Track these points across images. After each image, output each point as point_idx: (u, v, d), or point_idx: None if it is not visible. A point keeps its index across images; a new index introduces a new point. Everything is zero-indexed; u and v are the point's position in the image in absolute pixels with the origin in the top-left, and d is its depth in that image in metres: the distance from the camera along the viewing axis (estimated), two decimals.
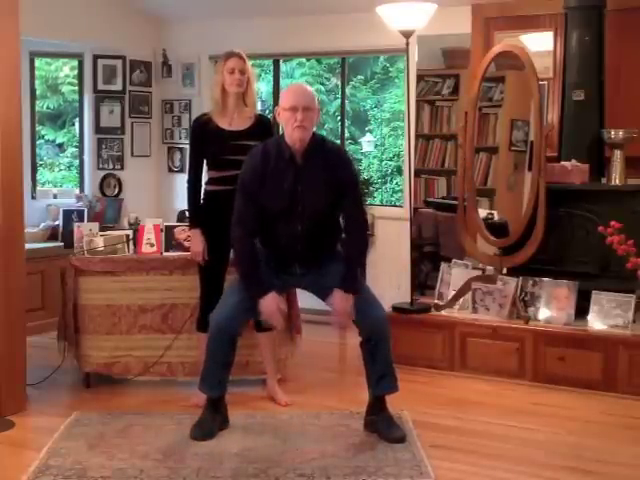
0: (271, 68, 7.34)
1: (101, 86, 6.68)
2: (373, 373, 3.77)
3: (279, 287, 3.77)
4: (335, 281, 3.69)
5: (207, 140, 4.12)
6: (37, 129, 7.21)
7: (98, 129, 6.73)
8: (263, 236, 3.79)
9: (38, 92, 7.52)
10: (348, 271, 3.70)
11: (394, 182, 10.27)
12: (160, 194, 7.00)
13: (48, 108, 9.04)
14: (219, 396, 3.83)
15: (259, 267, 3.71)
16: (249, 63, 4.14)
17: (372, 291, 3.82)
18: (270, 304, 3.65)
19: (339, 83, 7.22)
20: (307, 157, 3.64)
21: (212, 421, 3.79)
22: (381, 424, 3.76)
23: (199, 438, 3.70)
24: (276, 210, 3.67)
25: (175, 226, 4.68)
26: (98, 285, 4.47)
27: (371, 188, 7.02)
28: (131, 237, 4.62)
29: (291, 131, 3.58)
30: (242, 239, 3.70)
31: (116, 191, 6.75)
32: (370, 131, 10.95)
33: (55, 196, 6.78)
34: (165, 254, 4.57)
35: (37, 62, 6.96)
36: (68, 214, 6.25)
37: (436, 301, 5.11)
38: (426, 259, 5.79)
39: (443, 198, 5.82)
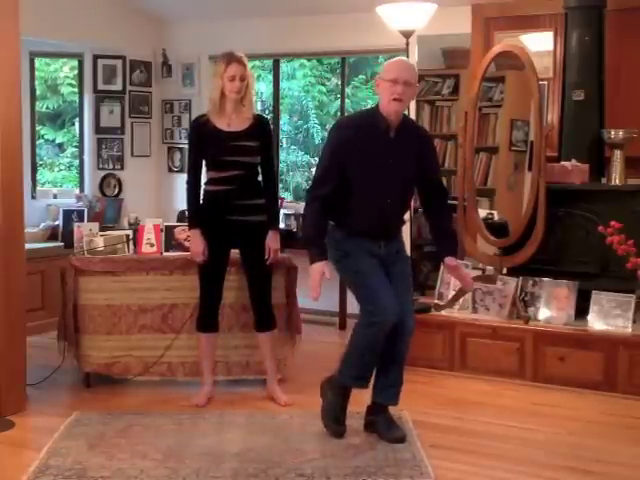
0: (271, 68, 7.34)
1: (101, 86, 6.69)
2: (384, 379, 3.76)
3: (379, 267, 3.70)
4: (400, 288, 3.68)
5: (206, 141, 4.12)
6: (37, 129, 7.20)
7: (98, 129, 6.74)
8: (343, 214, 3.68)
9: (38, 92, 7.51)
10: (451, 237, 3.80)
11: None
12: (160, 194, 7.00)
13: (48, 108, 9.03)
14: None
15: (324, 233, 3.64)
16: (248, 65, 4.13)
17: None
18: (318, 270, 3.55)
19: (339, 83, 7.22)
20: (400, 131, 3.66)
21: (345, 410, 3.77)
22: (381, 424, 3.76)
23: (341, 434, 3.71)
24: (367, 181, 3.61)
25: (175, 226, 4.68)
26: (98, 285, 4.47)
27: None
28: (131, 237, 4.62)
29: (387, 102, 3.58)
30: (314, 202, 3.63)
31: (116, 191, 6.75)
32: None
33: (55, 196, 6.78)
34: (165, 254, 4.57)
35: (37, 62, 6.96)
36: (68, 214, 6.25)
37: (436, 301, 5.11)
38: (426, 259, 5.79)
39: None
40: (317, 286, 3.56)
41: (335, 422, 3.75)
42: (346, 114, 6.87)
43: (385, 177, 3.62)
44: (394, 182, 3.65)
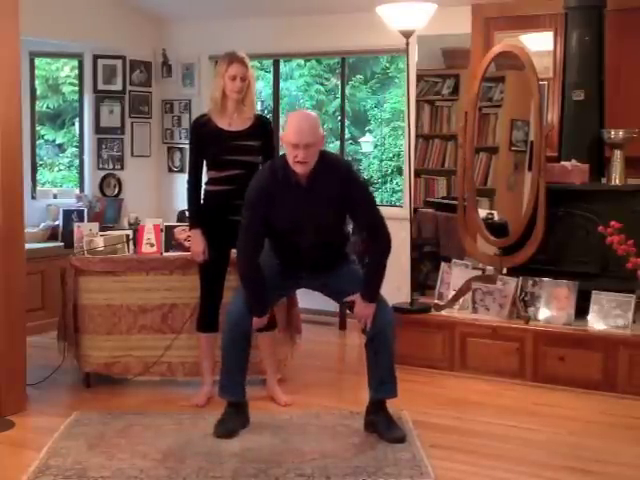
0: (271, 68, 7.34)
1: (101, 86, 6.68)
2: (374, 376, 3.79)
3: (287, 288, 3.80)
4: (348, 284, 3.75)
5: (207, 140, 4.12)
6: (37, 129, 7.20)
7: (98, 129, 6.73)
8: (271, 243, 3.82)
9: (38, 92, 7.52)
10: (370, 281, 3.74)
11: (394, 182, 10.27)
12: (160, 194, 7.00)
13: (48, 108, 9.03)
14: (242, 400, 3.86)
15: (263, 289, 3.76)
16: (250, 65, 4.13)
17: (382, 294, 3.83)
18: (261, 320, 3.81)
19: (339, 83, 7.22)
20: (312, 179, 3.64)
21: (235, 420, 3.81)
22: (381, 424, 3.76)
23: (223, 436, 3.71)
24: (282, 228, 3.71)
25: (175, 226, 4.68)
26: (98, 285, 4.47)
27: (371, 188, 7.02)
28: (131, 237, 4.62)
29: (292, 164, 3.59)
30: (247, 260, 3.72)
31: (116, 191, 6.75)
32: (370, 131, 10.95)
33: (55, 196, 6.78)
34: (165, 254, 4.57)
35: (37, 62, 6.96)
36: (68, 214, 6.24)
37: (436, 301, 5.11)
38: (426, 259, 5.79)
39: (443, 198, 5.82)
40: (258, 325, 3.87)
41: (220, 425, 3.78)
42: (345, 114, 6.88)
43: (299, 224, 3.65)
44: (310, 228, 3.66)
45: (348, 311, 3.88)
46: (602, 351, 4.46)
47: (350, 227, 4.26)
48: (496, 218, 5.25)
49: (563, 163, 4.89)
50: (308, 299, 5.03)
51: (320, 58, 9.21)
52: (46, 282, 5.66)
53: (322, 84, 10.45)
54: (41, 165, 8.50)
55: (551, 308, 4.73)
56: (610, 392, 4.42)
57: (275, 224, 3.69)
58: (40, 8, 5.54)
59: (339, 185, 3.65)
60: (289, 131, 3.57)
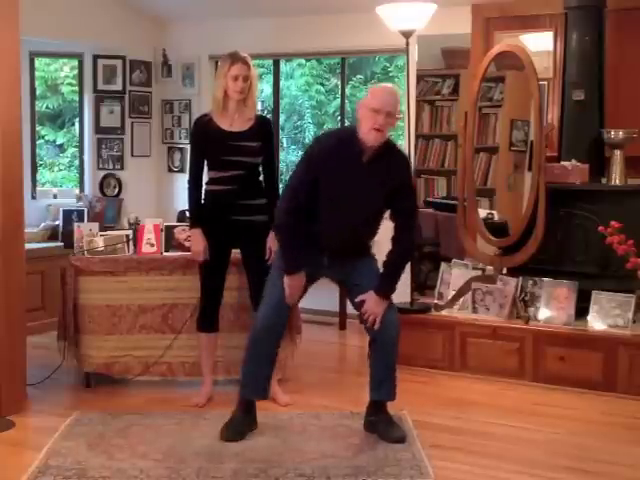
0: (271, 68, 7.33)
1: (101, 86, 6.68)
2: (374, 376, 3.78)
3: (307, 276, 3.75)
4: (366, 280, 3.71)
5: (208, 140, 4.12)
6: (37, 129, 7.20)
7: (98, 129, 6.73)
8: (305, 217, 3.72)
9: (38, 92, 7.50)
10: (387, 277, 3.72)
11: None
12: (160, 194, 7.00)
13: (48, 108, 9.02)
14: (261, 399, 3.82)
15: (300, 242, 3.67)
16: (253, 65, 4.12)
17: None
18: (296, 281, 3.66)
19: (339, 83, 7.21)
20: (374, 158, 3.62)
21: (243, 423, 3.78)
22: (381, 425, 3.76)
23: (231, 439, 3.69)
24: (330, 199, 3.63)
25: (175, 226, 4.68)
26: (98, 285, 4.47)
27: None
28: (131, 237, 4.62)
29: (367, 131, 3.55)
30: (291, 213, 3.65)
31: (116, 191, 6.75)
32: None
33: (55, 196, 6.77)
34: (165, 254, 4.57)
35: (37, 62, 6.96)
36: (68, 214, 6.25)
37: (436, 301, 5.11)
38: (426, 259, 5.79)
39: (443, 198, 5.82)
40: (294, 297, 3.72)
41: (228, 429, 3.74)
42: (345, 114, 6.88)
43: (347, 199, 3.62)
44: (355, 207, 3.63)
45: (356, 311, 3.82)
46: (602, 351, 4.46)
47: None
48: (496, 218, 5.25)
49: (563, 163, 4.89)
50: (308, 299, 5.03)
51: (320, 58, 9.20)
52: (46, 282, 5.66)
53: (322, 84, 10.43)
54: (41, 165, 8.48)
55: (551, 308, 4.73)
56: (610, 392, 4.42)
57: (327, 191, 3.61)
58: (40, 8, 5.54)
59: (395, 173, 3.66)
60: (373, 97, 3.58)
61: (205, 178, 4.22)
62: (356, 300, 3.74)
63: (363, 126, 3.57)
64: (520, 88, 5.08)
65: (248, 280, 4.24)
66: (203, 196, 4.20)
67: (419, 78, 5.83)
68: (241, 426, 3.76)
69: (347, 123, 6.97)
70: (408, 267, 5.09)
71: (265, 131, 4.18)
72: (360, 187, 3.61)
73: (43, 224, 6.27)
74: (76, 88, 7.19)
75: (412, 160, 5.47)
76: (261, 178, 4.23)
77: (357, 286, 3.75)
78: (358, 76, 9.89)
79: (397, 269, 3.75)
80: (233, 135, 4.09)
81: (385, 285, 3.70)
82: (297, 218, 3.64)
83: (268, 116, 6.92)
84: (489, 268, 5.03)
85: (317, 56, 8.56)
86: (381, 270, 3.77)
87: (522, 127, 5.20)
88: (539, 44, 5.34)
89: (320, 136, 3.82)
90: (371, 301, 3.67)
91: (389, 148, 3.68)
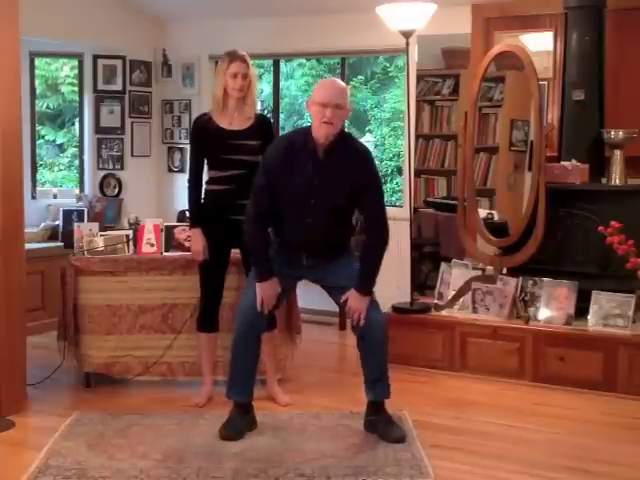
0: (271, 68, 7.33)
1: (101, 86, 6.68)
2: (368, 376, 3.79)
3: (288, 279, 3.78)
4: (346, 280, 3.71)
5: (207, 140, 4.12)
6: (37, 129, 7.20)
7: (98, 129, 6.73)
8: (275, 224, 3.79)
9: (38, 92, 7.51)
10: (364, 273, 3.71)
11: (394, 182, 10.25)
12: (160, 194, 7.00)
13: (48, 108, 9.02)
14: (248, 401, 3.84)
15: (267, 251, 3.72)
16: (251, 64, 4.13)
17: (374, 293, 3.80)
18: (268, 288, 3.70)
19: None
20: (330, 153, 3.63)
21: (241, 422, 3.78)
22: (381, 424, 3.76)
23: (228, 438, 3.69)
24: (290, 199, 3.66)
25: (175, 226, 4.68)
26: (98, 285, 4.47)
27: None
28: (131, 237, 4.62)
29: (318, 125, 3.57)
30: (254, 220, 3.70)
31: (116, 191, 6.75)
32: (370, 131, 10.93)
33: (55, 196, 6.77)
34: (165, 254, 4.57)
35: (37, 62, 6.96)
36: (68, 214, 6.24)
37: (436, 301, 5.11)
38: (426, 259, 5.79)
39: (443, 198, 5.82)
40: (269, 303, 3.74)
41: (226, 427, 3.75)
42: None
43: (307, 197, 3.63)
44: (317, 203, 3.64)
45: (341, 310, 3.84)
46: (602, 351, 4.46)
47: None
48: (496, 218, 5.25)
49: (563, 163, 4.89)
50: (308, 299, 5.04)
51: (320, 58, 9.20)
52: (46, 282, 5.65)
53: None
54: (41, 165, 8.49)
55: (551, 308, 4.73)
56: (610, 392, 4.42)
57: (285, 192, 3.64)
58: (40, 8, 5.53)
59: (355, 166, 3.64)
60: (318, 91, 3.60)
61: (205, 177, 4.22)
62: (341, 300, 3.74)
63: (314, 121, 3.60)
64: (520, 88, 5.08)
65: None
66: (203, 195, 4.20)
67: (419, 78, 5.83)
68: (239, 425, 3.76)
69: (347, 123, 6.97)
70: (407, 267, 5.15)
71: (265, 129, 4.18)
72: (319, 183, 3.62)
73: (43, 224, 6.27)
74: (75, 88, 7.19)
75: (412, 160, 5.49)
76: None
77: (337, 287, 3.77)
78: (358, 76, 9.91)
79: (372, 263, 3.72)
80: (233, 134, 4.09)
81: (363, 281, 3.69)
82: (261, 224, 3.70)
83: (268, 116, 6.93)
84: (489, 268, 5.03)
85: (317, 56, 8.57)
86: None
87: (522, 127, 5.20)
88: (539, 44, 5.34)
89: (275, 139, 3.86)
90: (352, 298, 3.68)
91: (346, 142, 3.68)
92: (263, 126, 4.18)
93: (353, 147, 3.73)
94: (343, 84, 3.73)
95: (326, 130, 3.56)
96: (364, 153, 3.78)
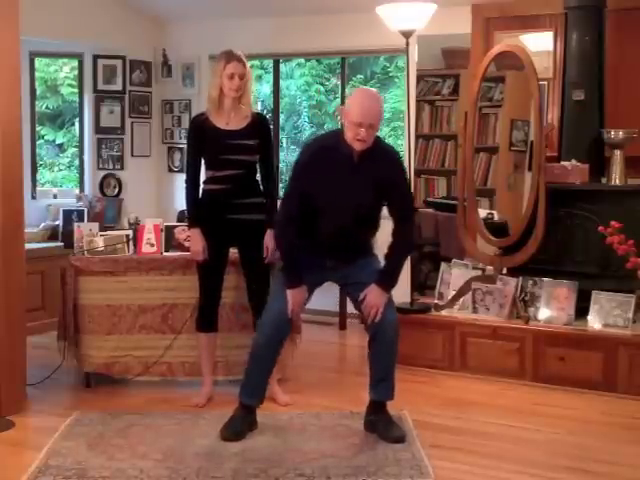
0: (271, 68, 7.33)
1: (101, 86, 6.68)
2: (374, 375, 3.79)
3: (311, 282, 3.78)
4: (367, 277, 3.72)
5: (205, 140, 4.12)
6: (37, 129, 7.20)
7: (98, 129, 6.74)
8: (303, 228, 3.76)
9: (38, 92, 7.50)
10: (388, 269, 3.75)
11: None
12: (160, 194, 7.00)
13: (48, 108, 9.02)
14: (258, 404, 3.84)
15: (299, 257, 3.72)
16: (248, 64, 4.13)
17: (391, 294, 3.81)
18: (297, 295, 3.70)
19: (339, 83, 7.21)
20: (363, 157, 3.64)
21: (243, 423, 3.78)
22: (381, 424, 3.76)
23: (230, 439, 3.69)
24: (323, 202, 3.66)
25: (175, 226, 4.68)
26: (98, 285, 4.47)
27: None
28: (131, 237, 4.62)
29: (351, 140, 3.58)
30: (287, 227, 3.71)
31: (116, 191, 6.75)
32: None
33: (55, 196, 6.77)
34: (165, 254, 4.57)
35: (37, 62, 6.96)
36: (68, 214, 6.25)
37: (436, 301, 5.11)
38: (426, 259, 5.78)
39: (443, 198, 5.81)
40: (297, 311, 3.77)
41: (227, 428, 3.75)
42: None
43: (342, 200, 3.63)
44: (351, 207, 3.65)
45: (357, 311, 3.83)
46: (602, 351, 4.46)
47: None
48: (496, 218, 5.25)
49: (563, 163, 4.89)
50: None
51: (320, 58, 9.20)
52: (46, 282, 5.66)
53: (322, 84, 10.43)
54: (41, 165, 8.48)
55: (551, 308, 4.73)
56: (610, 392, 4.41)
57: (321, 197, 3.64)
58: (40, 8, 5.53)
59: (387, 168, 3.68)
60: (355, 110, 3.56)
61: (203, 177, 4.22)
62: (360, 296, 3.73)
63: (348, 134, 3.60)
64: (520, 88, 5.08)
65: (246, 279, 4.23)
66: (201, 195, 4.19)
67: (419, 78, 5.83)
68: (240, 426, 3.76)
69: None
70: (408, 267, 5.14)
71: (262, 128, 4.18)
72: (353, 187, 3.63)
73: (43, 224, 6.27)
74: (76, 88, 7.19)
75: (412, 160, 5.48)
76: (258, 176, 4.23)
77: (358, 284, 3.76)
78: (358, 76, 9.90)
79: (398, 261, 3.78)
80: (230, 133, 4.09)
81: (386, 277, 3.73)
82: (293, 228, 3.69)
83: (268, 116, 6.92)
84: (489, 268, 5.03)
85: (317, 56, 8.56)
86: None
87: (522, 127, 5.19)
88: (539, 44, 5.34)
89: (306, 145, 3.88)
90: (372, 293, 3.69)
91: (378, 147, 3.69)
92: (260, 125, 4.18)
93: (384, 149, 3.76)
94: (379, 102, 3.68)
95: (360, 146, 3.59)
96: (395, 154, 3.83)
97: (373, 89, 4.06)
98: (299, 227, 3.72)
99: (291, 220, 3.70)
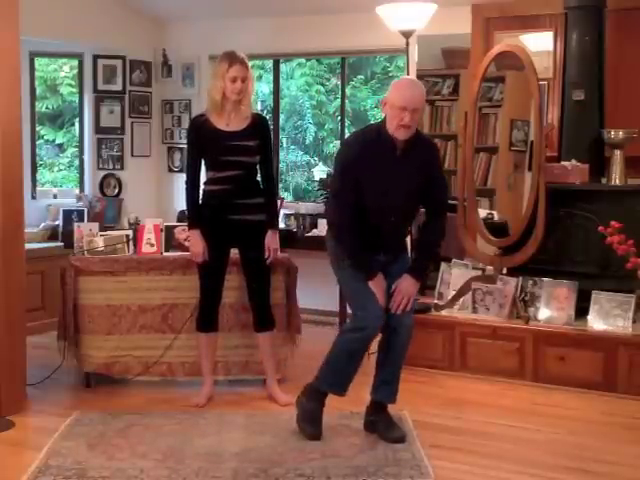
0: (271, 68, 7.33)
1: (101, 86, 6.69)
2: (379, 376, 3.79)
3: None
4: (399, 269, 3.72)
5: (204, 141, 4.11)
6: (37, 129, 7.20)
7: (98, 129, 6.74)
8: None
9: (38, 92, 7.50)
10: (421, 258, 3.79)
11: None
12: (160, 194, 7.00)
13: (48, 108, 9.02)
14: (342, 396, 3.79)
15: (365, 251, 3.68)
16: (249, 65, 4.11)
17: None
18: (379, 283, 3.66)
19: (339, 83, 7.21)
20: (406, 149, 3.63)
21: (321, 414, 3.76)
22: (381, 424, 3.76)
23: (317, 436, 3.69)
24: (371, 198, 3.63)
25: (175, 226, 4.68)
26: (98, 285, 4.47)
27: None
28: (131, 237, 4.62)
29: (395, 128, 3.55)
30: (347, 227, 3.66)
31: (116, 191, 6.75)
32: None
33: (55, 196, 6.78)
34: (165, 254, 4.57)
35: (37, 62, 6.96)
36: (68, 214, 6.25)
37: (436, 301, 5.11)
38: None
39: None
40: (383, 296, 3.66)
41: (311, 424, 3.74)
42: (345, 114, 6.88)
43: (391, 195, 3.62)
44: (397, 199, 3.64)
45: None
46: (602, 351, 4.46)
47: None
48: (496, 218, 5.25)
49: (563, 163, 4.89)
50: (308, 299, 5.04)
51: (320, 58, 9.21)
52: (46, 282, 5.66)
53: (322, 84, 10.44)
54: (41, 165, 8.48)
55: (551, 308, 4.73)
56: (610, 392, 4.42)
57: (369, 192, 3.61)
58: (40, 8, 5.53)
59: (428, 160, 3.69)
60: (397, 94, 3.54)
61: (203, 178, 4.22)
62: (392, 286, 3.70)
63: (390, 123, 3.56)
64: (520, 88, 5.07)
65: (246, 280, 4.24)
66: (201, 196, 4.19)
67: (419, 78, 5.77)
68: (319, 418, 3.75)
69: (347, 123, 6.98)
70: None
71: (262, 129, 4.17)
72: (399, 179, 3.62)
73: (43, 224, 6.28)
74: (75, 88, 7.19)
75: None
76: (258, 177, 4.23)
77: (392, 277, 3.73)
78: (358, 76, 9.91)
79: (430, 250, 3.84)
80: (230, 135, 4.08)
81: (418, 266, 3.75)
82: (354, 228, 3.64)
83: (268, 116, 6.93)
84: (489, 268, 5.03)
85: (317, 56, 8.57)
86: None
87: (522, 127, 5.19)
88: (539, 44, 5.34)
89: (346, 142, 3.85)
90: (404, 282, 3.68)
91: (418, 138, 3.69)
92: (260, 126, 4.18)
93: (425, 141, 3.78)
94: (421, 86, 3.67)
95: (404, 133, 3.55)
96: (434, 146, 3.88)
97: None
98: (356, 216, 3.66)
99: (349, 219, 3.63)
